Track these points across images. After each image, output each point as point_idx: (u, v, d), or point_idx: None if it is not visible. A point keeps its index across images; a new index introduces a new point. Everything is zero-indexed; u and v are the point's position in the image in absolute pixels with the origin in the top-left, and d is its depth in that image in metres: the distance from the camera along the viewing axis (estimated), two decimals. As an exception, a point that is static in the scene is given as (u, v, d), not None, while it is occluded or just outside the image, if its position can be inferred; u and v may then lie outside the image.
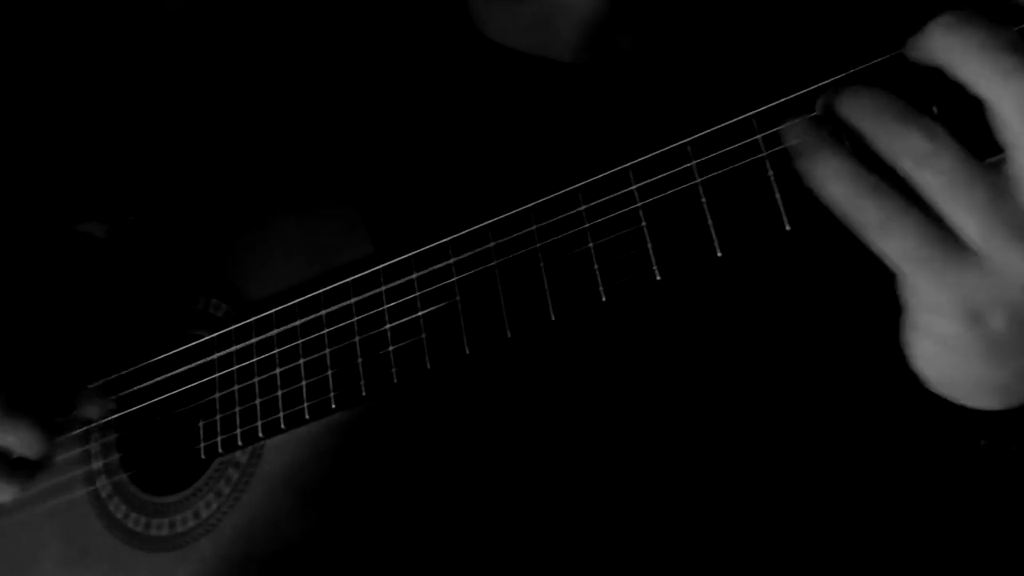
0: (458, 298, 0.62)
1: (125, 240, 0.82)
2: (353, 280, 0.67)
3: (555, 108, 0.73)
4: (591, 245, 0.58)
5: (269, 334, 0.69)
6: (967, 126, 0.46)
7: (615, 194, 0.58)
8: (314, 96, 0.80)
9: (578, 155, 0.63)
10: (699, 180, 0.55)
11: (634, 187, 0.57)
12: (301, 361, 0.68)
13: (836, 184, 0.47)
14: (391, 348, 0.64)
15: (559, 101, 0.73)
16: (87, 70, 0.89)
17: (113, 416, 0.77)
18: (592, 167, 0.59)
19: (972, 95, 0.45)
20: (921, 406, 0.54)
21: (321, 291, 0.68)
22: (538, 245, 0.60)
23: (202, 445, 0.72)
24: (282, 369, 0.68)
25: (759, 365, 0.67)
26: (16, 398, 0.70)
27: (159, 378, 0.75)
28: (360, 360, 0.65)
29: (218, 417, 0.71)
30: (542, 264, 0.60)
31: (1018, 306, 0.46)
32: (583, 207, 0.59)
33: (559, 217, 0.60)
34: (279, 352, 0.69)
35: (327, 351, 0.67)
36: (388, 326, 0.65)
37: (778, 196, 0.52)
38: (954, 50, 0.44)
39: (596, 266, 0.58)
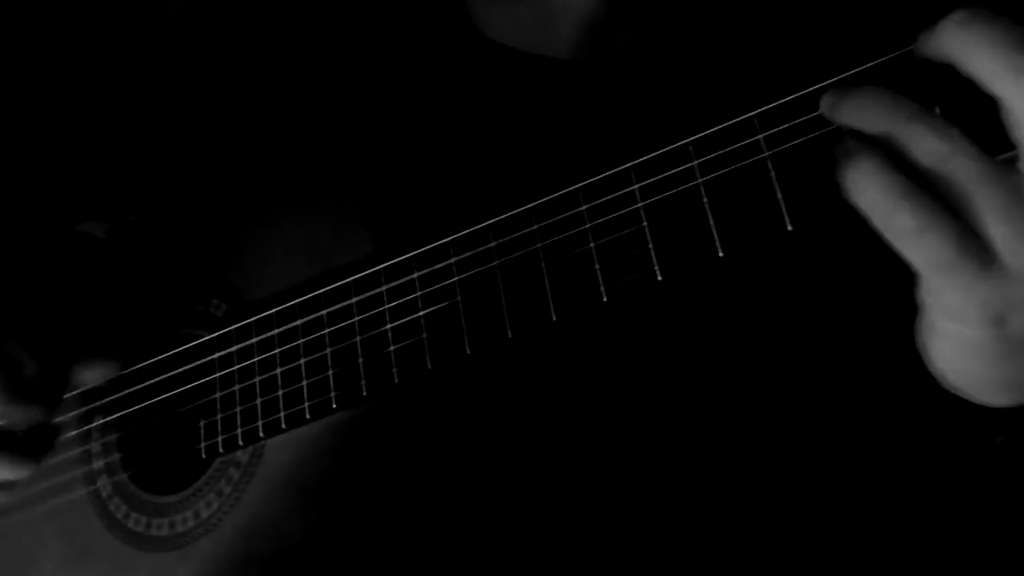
0: (459, 298, 0.62)
1: (125, 240, 0.82)
2: (354, 280, 0.67)
3: (555, 107, 0.73)
4: (592, 245, 0.58)
5: (270, 334, 0.69)
6: (971, 126, 0.46)
7: (616, 194, 0.58)
8: (314, 96, 0.80)
9: (579, 154, 0.63)
10: (701, 180, 0.55)
11: (635, 187, 0.57)
12: (302, 361, 0.68)
13: (870, 190, 0.46)
14: (392, 348, 0.64)
15: (559, 100, 0.73)
16: (87, 69, 0.89)
17: (115, 399, 0.77)
18: (593, 167, 0.59)
19: (974, 94, 0.45)
20: (936, 403, 0.54)
21: (322, 291, 0.68)
22: (539, 245, 0.60)
23: (203, 445, 0.72)
24: (283, 369, 0.68)
25: (762, 365, 0.67)
26: (16, 381, 0.70)
27: (160, 378, 0.75)
28: (361, 360, 0.65)
29: (219, 417, 0.71)
30: (543, 264, 0.60)
31: None
32: (584, 207, 0.59)
33: (560, 217, 0.60)
34: (280, 352, 0.69)
35: (328, 351, 0.67)
36: (389, 326, 0.65)
37: (780, 196, 0.52)
38: (967, 46, 0.44)
39: (597, 266, 0.58)
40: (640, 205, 0.57)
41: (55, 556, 0.77)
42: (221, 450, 0.71)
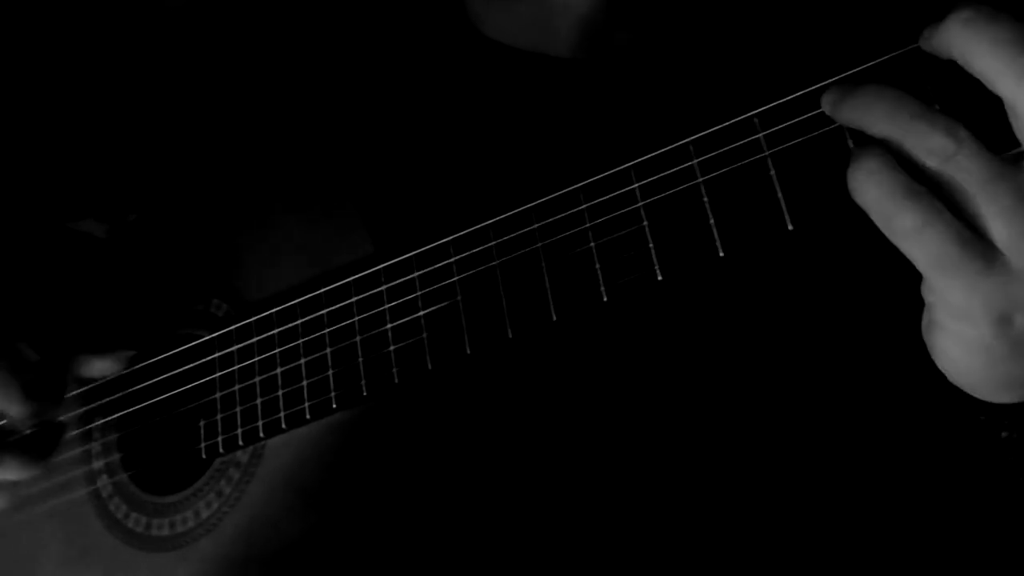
0: (459, 298, 0.62)
1: (125, 240, 0.82)
2: (354, 280, 0.66)
3: (555, 106, 0.72)
4: (592, 245, 0.58)
5: (270, 333, 0.69)
6: (973, 124, 0.45)
7: (616, 193, 0.58)
8: (313, 96, 0.80)
9: (579, 153, 0.63)
10: (701, 179, 0.55)
11: (636, 186, 0.57)
12: (302, 361, 0.67)
13: (871, 187, 0.46)
14: (392, 348, 0.64)
15: (558, 99, 0.72)
16: (86, 67, 0.89)
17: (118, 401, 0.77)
18: (593, 166, 0.59)
19: (977, 92, 0.45)
20: (940, 400, 0.54)
21: (322, 290, 0.68)
22: (539, 244, 0.60)
23: (203, 445, 0.71)
24: (283, 369, 0.68)
25: (763, 365, 0.67)
26: (26, 382, 0.70)
27: (160, 378, 0.75)
28: (361, 360, 0.65)
29: (219, 417, 0.71)
30: (543, 264, 0.60)
31: None
32: (584, 206, 0.59)
33: (560, 216, 0.59)
34: (280, 352, 0.69)
35: (328, 351, 0.66)
36: (389, 326, 0.64)
37: (780, 195, 0.52)
38: (971, 44, 0.44)
39: (597, 266, 0.58)
40: (640, 204, 0.57)
41: (55, 556, 0.77)
42: (221, 450, 0.71)
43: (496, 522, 0.69)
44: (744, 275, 0.61)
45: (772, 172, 0.52)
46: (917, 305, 0.50)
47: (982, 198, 0.44)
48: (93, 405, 0.79)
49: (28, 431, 0.74)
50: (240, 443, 0.69)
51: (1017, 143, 0.45)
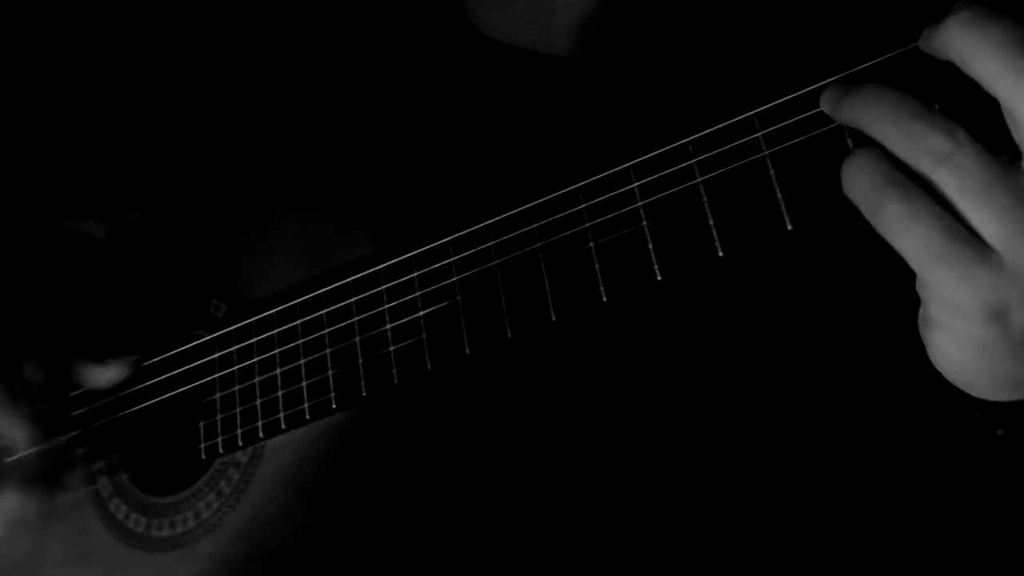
0: (458, 298, 0.62)
1: (125, 240, 0.81)
2: (354, 280, 0.66)
3: (553, 105, 0.72)
4: (592, 244, 0.58)
5: (269, 334, 0.69)
6: (971, 125, 0.45)
7: (616, 192, 0.58)
8: (313, 95, 0.80)
9: (578, 152, 0.63)
10: (700, 179, 0.55)
11: (635, 185, 0.57)
12: (302, 361, 0.67)
13: (859, 177, 0.47)
14: (392, 348, 0.64)
15: (557, 98, 0.72)
16: (86, 66, 0.88)
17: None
18: (593, 166, 0.58)
19: (978, 92, 0.45)
20: (937, 398, 0.54)
21: (322, 291, 0.68)
22: (539, 244, 0.60)
23: (203, 445, 0.71)
24: (283, 369, 0.68)
25: (762, 364, 0.67)
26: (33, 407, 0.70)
27: (159, 378, 0.75)
28: (361, 360, 0.65)
29: (219, 417, 0.71)
30: (543, 264, 0.59)
31: None
32: (583, 206, 0.59)
33: (559, 216, 0.59)
34: (280, 352, 0.69)
35: (328, 351, 0.66)
36: (389, 326, 0.64)
37: (779, 195, 0.52)
38: (968, 46, 0.44)
39: (597, 266, 0.58)
40: (640, 204, 0.57)
41: (55, 556, 0.77)
42: (221, 451, 0.71)
43: (496, 522, 0.69)
44: (743, 275, 0.61)
45: (771, 172, 0.52)
46: (914, 304, 0.50)
47: (979, 199, 0.44)
48: (93, 405, 0.79)
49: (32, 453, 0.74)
50: (240, 444, 0.69)
51: (1014, 145, 0.45)
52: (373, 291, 0.65)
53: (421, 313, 0.63)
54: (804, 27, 0.68)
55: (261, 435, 0.68)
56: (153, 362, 0.76)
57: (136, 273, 0.79)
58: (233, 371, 0.71)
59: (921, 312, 0.50)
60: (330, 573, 0.65)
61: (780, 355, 0.67)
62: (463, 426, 0.70)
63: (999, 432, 0.54)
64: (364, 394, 0.65)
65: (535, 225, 0.60)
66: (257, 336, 0.70)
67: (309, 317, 0.68)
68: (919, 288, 0.49)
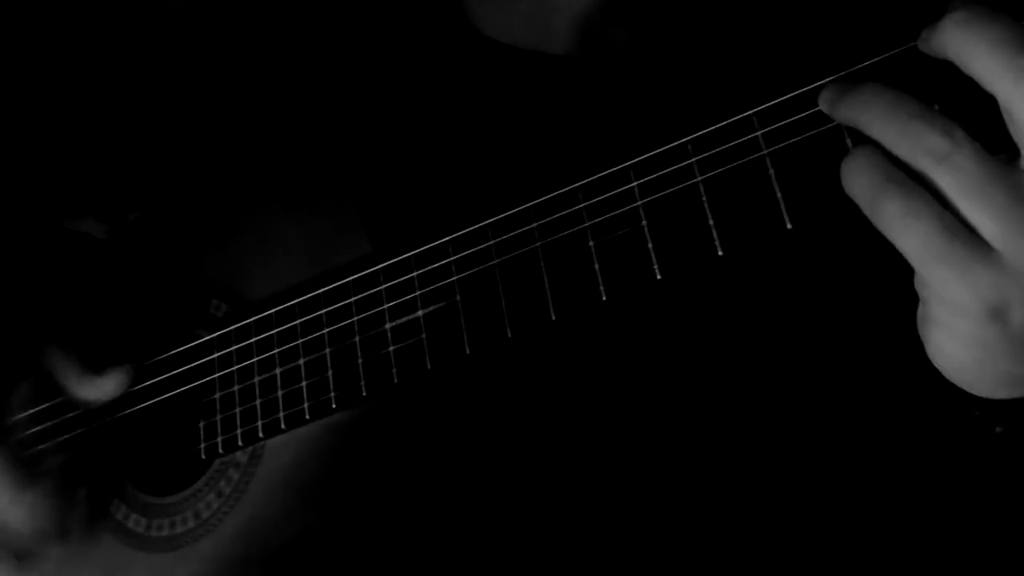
0: (458, 297, 0.62)
1: (125, 239, 0.81)
2: (353, 280, 0.66)
3: (553, 104, 0.72)
4: (591, 244, 0.58)
5: (269, 334, 0.69)
6: (970, 124, 0.45)
7: (615, 192, 0.58)
8: (312, 95, 0.80)
9: (577, 151, 0.63)
10: (700, 178, 0.55)
11: (634, 184, 0.57)
12: (301, 361, 0.67)
13: (859, 175, 0.47)
14: (391, 348, 0.64)
15: (557, 97, 0.72)
16: (86, 65, 0.88)
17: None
18: (592, 165, 0.58)
19: (977, 91, 0.45)
20: (935, 396, 0.54)
21: (321, 291, 0.68)
22: (538, 244, 0.60)
23: (202, 445, 0.71)
24: (282, 369, 0.68)
25: (762, 363, 0.67)
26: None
27: (159, 378, 0.75)
28: (360, 360, 0.65)
29: (218, 417, 0.71)
30: (542, 263, 0.59)
31: None
32: (583, 205, 0.59)
33: (559, 215, 0.59)
34: (279, 352, 0.69)
35: (327, 351, 0.66)
36: (388, 326, 0.64)
37: (779, 194, 0.52)
38: (966, 46, 0.44)
39: (596, 265, 0.58)
40: (639, 203, 0.57)
41: (55, 556, 0.77)
42: (221, 451, 0.70)
43: (496, 522, 0.69)
44: (743, 274, 0.61)
45: (771, 171, 0.52)
46: (913, 303, 0.50)
47: (977, 197, 0.44)
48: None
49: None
50: (239, 444, 0.69)
51: (1013, 144, 0.45)
52: (372, 291, 0.65)
53: (420, 313, 0.63)
54: (803, 26, 0.68)
55: (261, 435, 0.68)
56: (152, 362, 0.76)
57: (136, 272, 0.79)
58: (232, 371, 0.71)
59: (920, 310, 0.50)
60: (330, 573, 0.65)
61: (780, 354, 0.67)
62: (463, 426, 0.70)
63: (998, 430, 0.54)
64: (364, 394, 0.65)
65: (535, 224, 0.60)
66: (256, 336, 0.70)
67: (308, 317, 0.68)
68: (918, 286, 0.49)
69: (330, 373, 0.66)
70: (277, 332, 0.69)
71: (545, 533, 0.68)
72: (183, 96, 0.85)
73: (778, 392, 0.67)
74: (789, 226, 0.51)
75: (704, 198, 0.54)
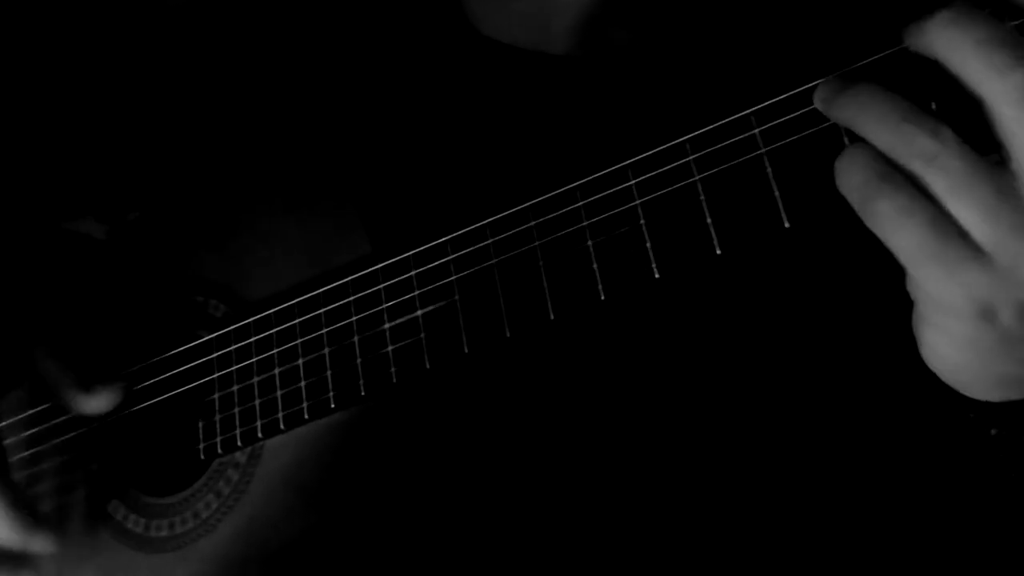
0: (457, 297, 0.62)
1: (124, 239, 0.81)
2: (352, 279, 0.66)
3: (552, 104, 0.72)
4: (590, 243, 0.58)
5: (268, 334, 0.69)
6: (967, 122, 0.45)
7: (613, 191, 0.57)
8: (312, 95, 0.80)
9: (576, 151, 0.63)
10: (698, 177, 0.55)
11: (632, 183, 0.57)
12: (300, 361, 0.67)
13: (853, 174, 0.47)
14: (390, 348, 0.64)
15: (555, 97, 0.72)
16: (86, 65, 0.89)
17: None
18: (590, 164, 0.58)
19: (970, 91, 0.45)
20: (930, 397, 0.54)
21: (320, 290, 0.68)
22: (537, 243, 0.60)
23: (201, 446, 0.71)
24: (281, 369, 0.68)
25: (760, 362, 0.67)
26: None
27: (158, 378, 0.75)
28: (359, 360, 0.65)
29: (217, 418, 0.71)
30: (541, 262, 0.59)
31: None
32: (581, 204, 0.58)
33: (557, 214, 0.59)
34: (278, 352, 0.69)
35: (326, 351, 0.66)
36: (387, 325, 0.64)
37: (777, 193, 0.52)
38: (950, 45, 0.44)
39: (595, 264, 0.58)
40: (637, 202, 0.57)
41: (54, 557, 0.77)
42: (220, 451, 0.70)
43: (495, 521, 0.69)
44: (741, 273, 0.61)
45: (768, 169, 0.52)
46: (911, 303, 0.50)
47: (965, 197, 0.44)
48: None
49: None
50: (238, 444, 0.69)
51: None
52: (371, 290, 0.65)
53: (419, 312, 0.63)
54: (801, 25, 0.68)
55: (260, 435, 0.68)
56: (151, 362, 0.76)
57: (135, 272, 0.79)
58: (232, 371, 0.71)
59: (914, 311, 0.50)
60: (330, 573, 0.65)
61: (777, 353, 0.67)
62: (462, 425, 0.70)
63: (993, 432, 0.54)
64: (363, 393, 0.65)
65: (533, 224, 0.60)
66: (255, 336, 0.70)
67: (307, 316, 0.68)
68: (910, 287, 0.49)
69: (329, 373, 0.66)
70: (276, 332, 0.69)
71: (544, 532, 0.68)
72: (183, 96, 0.85)
73: (775, 392, 0.67)
74: (787, 224, 0.51)
75: (702, 197, 0.54)
